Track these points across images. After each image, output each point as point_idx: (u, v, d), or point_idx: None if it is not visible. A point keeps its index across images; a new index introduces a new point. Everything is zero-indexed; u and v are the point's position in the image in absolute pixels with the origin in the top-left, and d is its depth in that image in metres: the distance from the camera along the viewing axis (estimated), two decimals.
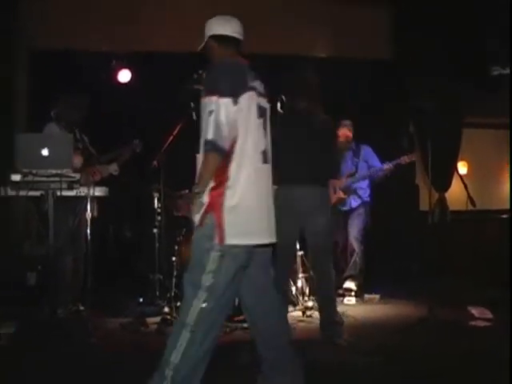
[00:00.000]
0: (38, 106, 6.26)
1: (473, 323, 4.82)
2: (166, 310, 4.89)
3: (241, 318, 4.86)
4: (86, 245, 4.83)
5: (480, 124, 7.62)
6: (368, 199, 6.04)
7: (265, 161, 2.97)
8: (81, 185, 4.52)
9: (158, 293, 5.27)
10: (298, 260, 5.50)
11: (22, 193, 4.37)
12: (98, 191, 4.65)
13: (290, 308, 5.27)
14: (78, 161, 4.81)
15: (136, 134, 5.50)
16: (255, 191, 2.89)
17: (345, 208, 6.01)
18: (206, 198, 2.84)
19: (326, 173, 4.37)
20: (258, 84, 2.98)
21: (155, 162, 5.11)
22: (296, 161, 4.20)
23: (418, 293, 5.56)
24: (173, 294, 5.02)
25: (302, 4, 7.01)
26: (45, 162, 4.31)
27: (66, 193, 4.42)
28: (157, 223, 5.39)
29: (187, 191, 4.58)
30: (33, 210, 5.35)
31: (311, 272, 4.94)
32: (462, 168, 7.46)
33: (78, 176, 4.39)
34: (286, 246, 4.00)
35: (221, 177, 2.84)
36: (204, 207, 2.84)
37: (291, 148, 4.19)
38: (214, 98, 2.80)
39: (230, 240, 2.81)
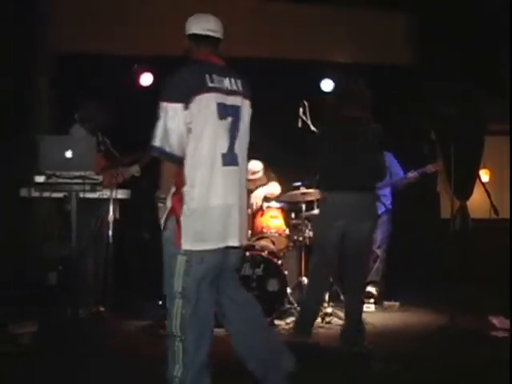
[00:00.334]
0: (60, 109, 6.33)
1: (494, 333, 4.75)
2: None
3: None
4: (107, 246, 4.87)
5: (503, 131, 7.54)
6: (390, 206, 6.03)
7: (228, 163, 2.88)
8: (103, 187, 4.55)
9: None
10: None
11: (46, 194, 4.41)
12: (121, 193, 4.68)
13: None
14: (100, 163, 4.85)
15: None
16: (213, 194, 2.83)
17: None
18: (168, 203, 2.87)
19: (374, 181, 4.35)
20: (227, 83, 2.92)
21: None
22: (345, 168, 4.19)
23: (438, 301, 5.52)
24: None
25: (324, 9, 7.00)
26: (68, 163, 4.33)
27: (88, 195, 4.46)
28: None
29: None
30: (55, 211, 5.42)
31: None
32: (484, 176, 7.39)
33: (100, 178, 4.42)
34: (324, 247, 4.23)
35: (179, 181, 2.85)
36: (166, 211, 2.88)
37: (341, 155, 4.20)
38: (164, 104, 2.81)
39: (185, 245, 2.80)
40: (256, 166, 5.80)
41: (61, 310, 4.63)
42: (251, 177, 5.74)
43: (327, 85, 7.08)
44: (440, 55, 6.82)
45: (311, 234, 5.56)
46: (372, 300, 5.83)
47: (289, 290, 5.14)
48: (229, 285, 3.06)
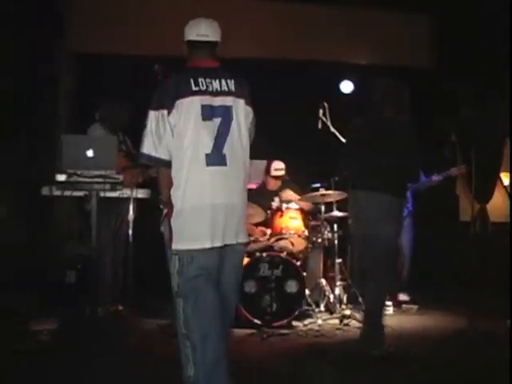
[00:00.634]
0: (81, 108, 6.37)
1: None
2: None
3: (278, 324, 4.89)
4: (127, 246, 4.89)
5: None
6: (411, 208, 6.00)
7: (213, 163, 2.91)
8: (124, 186, 4.57)
9: None
10: (337, 268, 5.48)
11: (67, 193, 4.44)
12: (141, 193, 4.69)
13: (327, 315, 5.26)
14: (121, 163, 4.87)
15: None
16: (197, 195, 2.90)
17: None
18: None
19: (402, 183, 4.30)
20: (217, 84, 2.98)
21: None
22: (374, 168, 4.17)
23: (456, 304, 5.47)
24: None
25: (343, 12, 6.98)
26: (89, 162, 4.36)
27: (109, 194, 4.48)
28: None
29: None
30: (75, 210, 5.45)
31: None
32: (506, 179, 7.31)
33: (121, 177, 4.44)
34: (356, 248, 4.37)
35: (169, 184, 2.94)
36: (163, 214, 3.00)
37: (370, 155, 4.19)
38: (149, 112, 2.93)
39: (175, 245, 2.90)
40: (279, 164, 5.83)
41: (80, 309, 4.66)
42: (275, 173, 5.78)
43: (346, 86, 7.06)
44: (460, 56, 6.77)
45: (330, 235, 5.57)
46: (390, 302, 5.77)
47: (307, 292, 5.12)
48: (229, 282, 3.06)
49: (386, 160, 4.14)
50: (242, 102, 3.04)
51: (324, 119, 5.15)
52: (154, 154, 2.93)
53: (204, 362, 2.86)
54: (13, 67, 5.66)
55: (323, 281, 5.48)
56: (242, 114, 3.04)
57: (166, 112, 2.90)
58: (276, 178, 5.85)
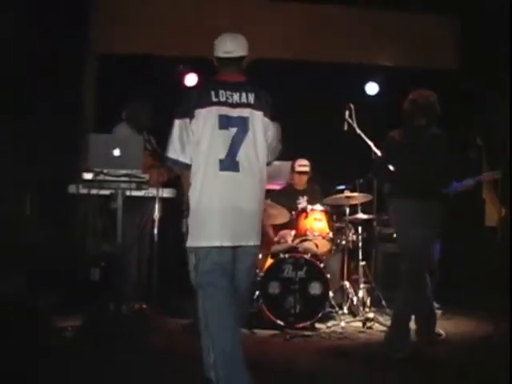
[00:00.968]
0: (105, 109, 6.41)
1: None
2: None
3: (301, 325, 4.88)
4: (151, 245, 4.91)
5: None
6: None
7: (225, 168, 3.15)
8: (149, 185, 4.59)
9: None
10: (360, 271, 5.46)
11: (93, 191, 4.46)
12: (166, 192, 4.71)
13: (351, 318, 5.23)
14: (146, 162, 4.89)
15: None
16: (210, 197, 3.14)
17: None
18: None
19: (435, 188, 4.37)
20: (237, 97, 3.22)
21: None
22: (410, 174, 4.26)
23: (481, 309, 5.40)
24: None
25: (369, 13, 6.95)
26: (116, 161, 4.39)
27: (134, 193, 4.50)
28: None
29: None
30: (99, 208, 5.48)
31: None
32: None
33: (147, 177, 4.46)
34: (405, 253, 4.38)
35: (188, 185, 3.22)
36: (184, 214, 3.25)
37: (407, 164, 4.28)
38: (175, 120, 3.21)
39: (190, 243, 3.17)
40: (303, 160, 5.87)
41: (104, 306, 4.68)
42: (299, 169, 5.81)
43: (372, 88, 7.04)
44: (485, 58, 6.70)
45: (354, 237, 5.54)
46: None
47: (331, 294, 5.10)
48: (242, 280, 3.24)
49: (421, 168, 4.22)
50: (259, 114, 3.25)
51: (350, 121, 5.11)
52: (178, 158, 3.21)
53: (222, 350, 3.06)
54: (37, 68, 5.71)
55: (347, 283, 5.46)
56: (259, 125, 3.25)
57: (188, 120, 3.18)
58: (301, 173, 5.85)
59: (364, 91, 7.04)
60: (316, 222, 5.37)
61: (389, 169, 4.34)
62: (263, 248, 5.38)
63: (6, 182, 5.31)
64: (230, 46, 3.32)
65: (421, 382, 3.74)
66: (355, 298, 5.38)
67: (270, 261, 5.19)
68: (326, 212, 5.47)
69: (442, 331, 4.66)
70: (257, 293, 4.98)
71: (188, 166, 3.21)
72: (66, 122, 6.04)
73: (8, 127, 5.28)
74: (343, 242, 5.53)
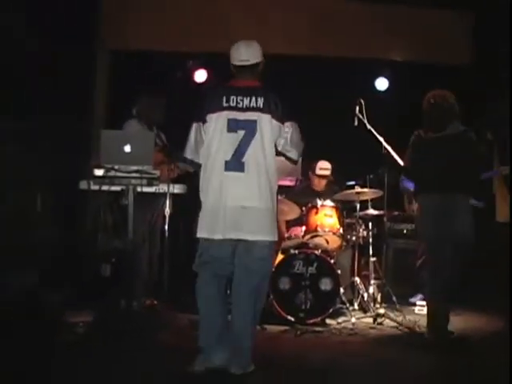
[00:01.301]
0: (116, 105, 6.43)
1: None
2: None
3: (311, 321, 4.88)
4: (162, 241, 4.92)
5: None
6: None
7: (230, 169, 3.43)
8: (160, 181, 4.59)
9: (229, 291, 5.29)
10: (371, 267, 5.45)
11: (104, 187, 4.47)
12: (177, 188, 4.71)
13: (361, 314, 5.23)
14: (156, 158, 4.90)
15: None
16: (215, 194, 3.44)
17: None
18: None
19: (467, 183, 4.51)
20: (247, 101, 3.45)
21: None
22: (442, 171, 4.42)
23: (491, 305, 5.39)
24: None
25: (379, 8, 6.92)
26: (127, 158, 4.38)
27: (145, 189, 4.49)
28: None
29: None
30: (110, 204, 5.49)
31: None
32: None
33: (158, 173, 4.46)
34: (432, 248, 4.54)
35: None
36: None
37: (436, 160, 4.45)
38: (192, 124, 3.56)
39: (197, 234, 3.53)
40: (325, 163, 5.86)
41: (115, 302, 4.70)
42: (320, 172, 5.83)
43: (382, 83, 7.02)
44: (497, 53, 6.65)
45: (365, 233, 5.54)
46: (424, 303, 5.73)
47: (341, 290, 5.09)
48: (240, 271, 3.51)
49: (453, 164, 4.41)
50: (267, 116, 3.45)
51: (360, 116, 5.11)
52: (193, 158, 3.58)
53: (205, 329, 3.55)
54: (48, 66, 5.73)
55: (357, 279, 5.45)
56: (267, 127, 3.45)
57: (201, 124, 3.52)
58: (320, 177, 5.85)
59: (374, 87, 7.02)
60: (326, 217, 5.37)
61: (417, 166, 4.50)
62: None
63: (18, 179, 5.34)
64: (245, 55, 3.55)
65: (432, 378, 3.73)
66: (366, 294, 5.37)
67: (280, 256, 5.20)
68: (336, 208, 5.46)
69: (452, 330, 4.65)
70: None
71: (201, 166, 3.54)
72: (77, 118, 6.06)
73: (18, 126, 5.30)
74: (354, 238, 5.53)
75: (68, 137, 5.88)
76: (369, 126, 5.10)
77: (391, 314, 5.16)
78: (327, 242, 5.36)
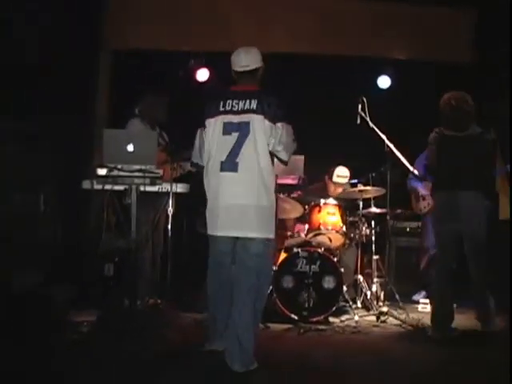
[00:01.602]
0: (118, 104, 6.43)
1: None
2: None
3: (315, 319, 4.89)
4: (165, 240, 4.93)
5: None
6: None
7: (225, 169, 3.60)
8: (162, 181, 4.60)
9: None
10: (374, 265, 5.46)
11: (107, 187, 4.47)
12: (180, 187, 4.72)
13: (364, 312, 5.24)
14: (159, 157, 4.90)
15: None
16: (213, 194, 3.66)
17: None
18: None
19: (483, 184, 4.61)
20: (242, 104, 3.61)
21: None
22: (462, 170, 4.52)
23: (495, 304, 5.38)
24: None
25: (381, 6, 6.91)
26: (130, 157, 4.38)
27: (148, 188, 4.50)
28: None
29: None
30: (113, 203, 5.50)
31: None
32: None
33: (161, 172, 4.47)
34: (444, 246, 4.61)
35: None
36: None
37: (457, 159, 4.54)
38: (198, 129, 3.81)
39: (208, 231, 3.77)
40: (342, 171, 5.85)
41: (118, 301, 4.71)
42: (337, 180, 5.86)
43: (384, 81, 7.01)
44: (500, 51, 6.64)
45: (367, 231, 5.54)
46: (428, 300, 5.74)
47: (344, 288, 5.09)
48: (239, 266, 3.67)
49: (470, 163, 4.51)
50: (260, 117, 3.57)
51: (363, 114, 5.11)
52: (198, 162, 3.83)
53: (214, 315, 3.76)
54: (50, 65, 5.74)
55: (360, 277, 5.45)
56: (260, 128, 3.57)
57: (203, 129, 3.74)
58: (336, 184, 5.85)
59: (376, 85, 7.01)
60: (329, 216, 5.37)
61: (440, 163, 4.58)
62: (278, 242, 5.42)
63: (20, 179, 5.35)
64: (245, 61, 3.72)
65: (435, 376, 3.71)
66: (369, 292, 5.38)
67: (283, 255, 5.20)
68: (339, 206, 5.47)
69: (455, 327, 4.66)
70: (270, 287, 4.99)
71: (200, 166, 3.81)
72: (79, 118, 6.07)
73: (20, 126, 5.31)
74: (356, 236, 5.53)
75: (70, 136, 5.89)
76: (371, 124, 5.10)
77: (394, 312, 5.16)
78: (330, 240, 5.37)
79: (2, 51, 5.15)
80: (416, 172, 5.37)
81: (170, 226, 4.83)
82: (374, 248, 5.50)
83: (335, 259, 5.12)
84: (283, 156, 3.67)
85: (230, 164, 3.60)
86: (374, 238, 5.53)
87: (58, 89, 5.78)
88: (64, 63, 5.87)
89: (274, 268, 5.04)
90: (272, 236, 3.68)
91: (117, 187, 4.49)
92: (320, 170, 6.14)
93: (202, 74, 6.88)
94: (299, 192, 5.70)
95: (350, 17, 6.86)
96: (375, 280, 5.42)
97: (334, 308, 4.96)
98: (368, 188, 5.43)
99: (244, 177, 3.58)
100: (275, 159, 3.73)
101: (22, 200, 5.45)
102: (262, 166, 3.59)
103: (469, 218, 4.48)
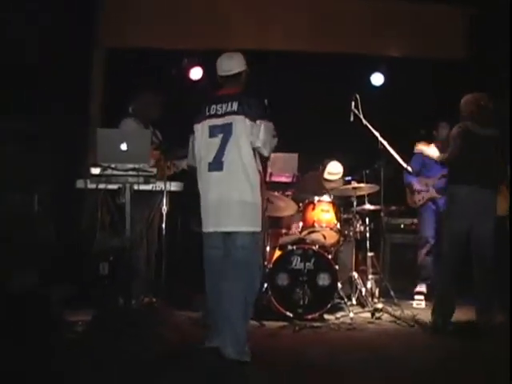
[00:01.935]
0: (112, 103, 6.42)
1: None
2: None
3: (310, 316, 4.89)
4: (160, 238, 4.93)
5: None
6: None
7: (212, 169, 3.82)
8: (157, 179, 4.59)
9: None
10: (368, 261, 5.46)
11: (101, 186, 4.46)
12: (174, 186, 4.71)
13: (359, 309, 5.25)
14: (153, 156, 4.89)
15: None
16: (204, 193, 3.89)
17: (433, 208, 5.93)
18: None
19: (495, 178, 4.72)
20: (225, 107, 3.80)
21: None
22: (481, 166, 4.61)
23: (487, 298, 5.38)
24: None
25: (375, 3, 6.91)
26: (123, 156, 4.38)
27: (142, 187, 4.50)
28: None
29: None
30: (107, 202, 5.49)
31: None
32: None
33: (154, 171, 4.46)
34: (453, 242, 4.65)
35: None
36: None
37: (480, 155, 4.63)
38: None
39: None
40: (334, 167, 5.87)
41: (113, 300, 4.70)
42: (328, 177, 5.94)
43: (377, 79, 7.02)
44: (495, 48, 6.65)
45: (362, 228, 5.55)
46: (422, 296, 5.76)
47: (339, 285, 5.10)
48: (227, 262, 3.83)
49: (490, 161, 4.63)
50: (241, 118, 3.76)
51: (356, 112, 5.11)
52: (192, 164, 4.05)
53: (211, 310, 3.89)
54: (49, 64, 5.73)
55: (355, 274, 5.46)
56: (241, 127, 3.76)
57: (193, 134, 3.96)
58: (327, 181, 5.86)
59: (370, 82, 7.02)
60: (323, 213, 5.38)
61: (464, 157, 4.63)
62: (272, 240, 5.43)
63: (17, 179, 5.33)
64: (227, 66, 3.93)
65: (432, 372, 3.71)
66: (364, 289, 5.40)
67: (278, 252, 5.20)
68: (333, 203, 5.47)
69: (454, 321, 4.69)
70: (265, 285, 5.00)
71: (194, 168, 4.03)
72: (73, 117, 6.06)
73: (15, 125, 5.30)
74: (351, 233, 5.54)
75: (65, 136, 5.87)
76: (365, 122, 5.10)
77: (389, 309, 5.17)
78: (324, 238, 5.37)
79: (2, 51, 5.14)
80: (409, 168, 5.40)
81: (164, 225, 4.81)
82: (368, 245, 5.50)
83: (330, 256, 5.12)
84: (264, 152, 3.85)
85: (216, 164, 3.81)
86: (368, 235, 5.54)
87: (54, 89, 5.78)
88: (64, 63, 5.86)
89: (269, 266, 5.06)
90: (258, 229, 3.82)
91: (111, 186, 4.48)
92: (314, 166, 6.15)
93: (196, 73, 6.87)
94: (293, 190, 5.69)
95: (344, 15, 6.88)
96: (370, 277, 5.44)
97: (329, 305, 4.97)
98: (362, 185, 5.43)
99: (228, 174, 3.79)
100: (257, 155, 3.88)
101: (21, 200, 5.44)
102: (245, 163, 3.78)
103: (482, 216, 4.56)
